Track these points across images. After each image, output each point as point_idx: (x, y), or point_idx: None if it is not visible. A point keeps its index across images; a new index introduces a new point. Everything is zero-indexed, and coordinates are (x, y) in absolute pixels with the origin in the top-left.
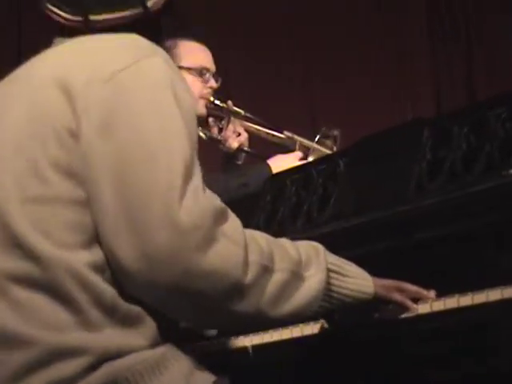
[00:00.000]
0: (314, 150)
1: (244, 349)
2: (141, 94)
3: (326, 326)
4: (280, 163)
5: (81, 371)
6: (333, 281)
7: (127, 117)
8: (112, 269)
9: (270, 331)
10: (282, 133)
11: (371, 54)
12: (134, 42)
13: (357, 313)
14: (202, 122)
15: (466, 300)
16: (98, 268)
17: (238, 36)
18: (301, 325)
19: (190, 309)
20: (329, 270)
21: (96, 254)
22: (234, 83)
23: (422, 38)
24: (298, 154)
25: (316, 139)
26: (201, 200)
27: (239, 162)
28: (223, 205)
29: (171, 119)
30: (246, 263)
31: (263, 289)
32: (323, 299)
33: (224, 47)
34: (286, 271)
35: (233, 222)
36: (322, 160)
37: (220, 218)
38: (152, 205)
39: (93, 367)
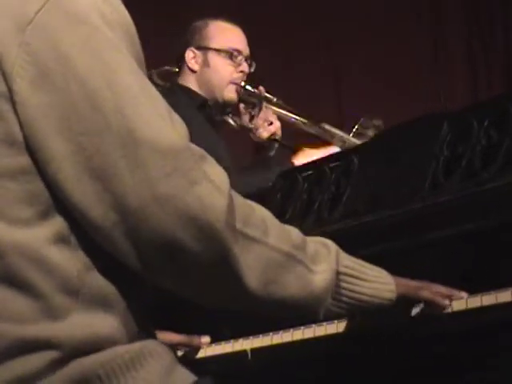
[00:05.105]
0: (351, 143)
1: (243, 352)
2: (66, 34)
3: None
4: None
5: (46, 367)
6: (344, 284)
7: (60, 64)
8: (80, 232)
9: (271, 334)
10: (319, 125)
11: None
12: None
13: (381, 313)
14: (233, 108)
15: (475, 301)
16: (61, 239)
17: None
18: (302, 327)
19: (169, 268)
20: (341, 273)
21: (57, 223)
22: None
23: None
24: (333, 148)
25: (354, 130)
26: (165, 121)
27: (271, 153)
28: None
29: (105, 51)
30: (231, 226)
31: (250, 262)
32: (332, 304)
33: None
34: (280, 252)
35: (216, 166)
36: (335, 156)
37: (200, 156)
38: (106, 142)
39: (60, 363)
